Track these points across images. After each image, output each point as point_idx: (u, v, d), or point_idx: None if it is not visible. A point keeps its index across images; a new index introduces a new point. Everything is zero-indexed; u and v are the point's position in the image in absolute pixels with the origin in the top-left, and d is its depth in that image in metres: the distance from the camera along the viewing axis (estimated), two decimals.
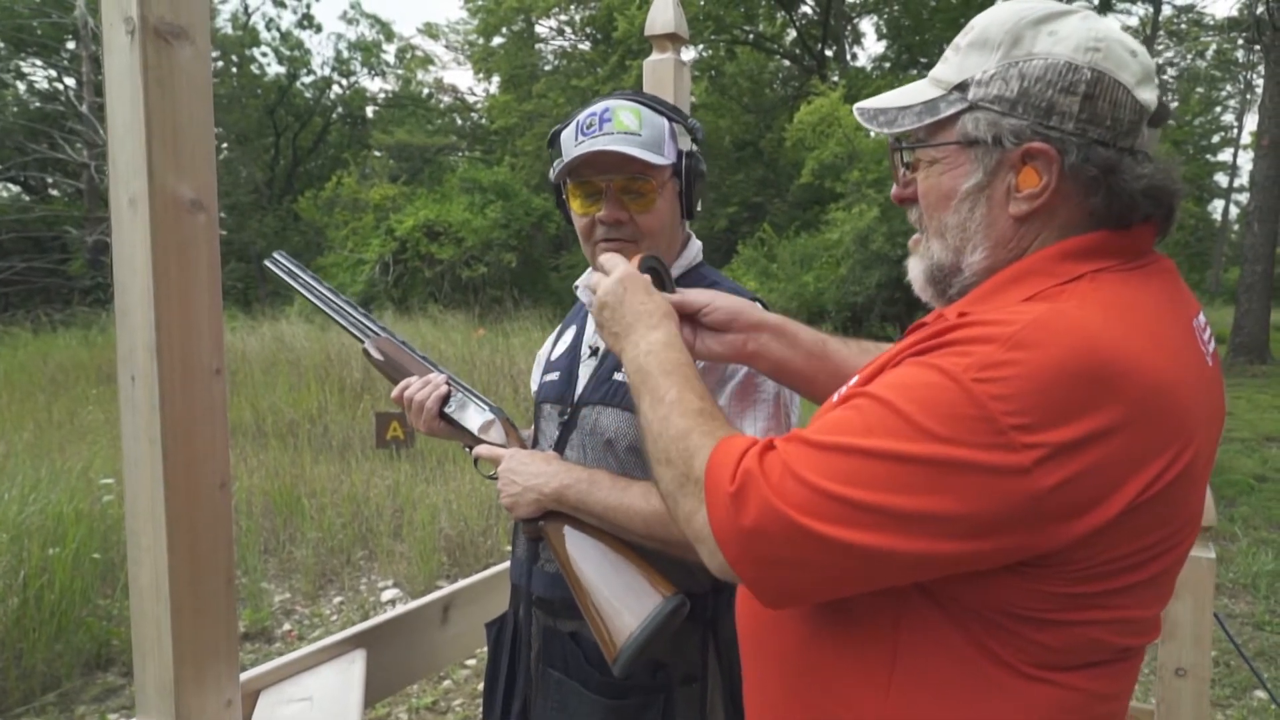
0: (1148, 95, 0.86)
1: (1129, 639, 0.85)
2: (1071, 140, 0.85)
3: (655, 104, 1.44)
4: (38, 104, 22.49)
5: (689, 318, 1.25)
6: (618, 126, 1.37)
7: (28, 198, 23.58)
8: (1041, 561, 0.77)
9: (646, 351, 1.04)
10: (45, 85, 23.11)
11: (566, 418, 1.45)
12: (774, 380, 1.31)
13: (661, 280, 1.27)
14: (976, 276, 0.92)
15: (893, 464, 0.75)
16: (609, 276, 1.19)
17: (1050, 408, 0.72)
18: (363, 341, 1.52)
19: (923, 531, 0.75)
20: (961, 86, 0.90)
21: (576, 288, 1.58)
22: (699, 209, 1.52)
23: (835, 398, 0.95)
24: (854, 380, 0.94)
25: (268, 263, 1.53)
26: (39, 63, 22.60)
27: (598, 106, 1.41)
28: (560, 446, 1.44)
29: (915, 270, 0.99)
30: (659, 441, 0.94)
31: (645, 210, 1.40)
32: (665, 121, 1.43)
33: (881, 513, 0.75)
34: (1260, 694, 3.48)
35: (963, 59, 0.91)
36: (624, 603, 1.21)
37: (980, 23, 0.91)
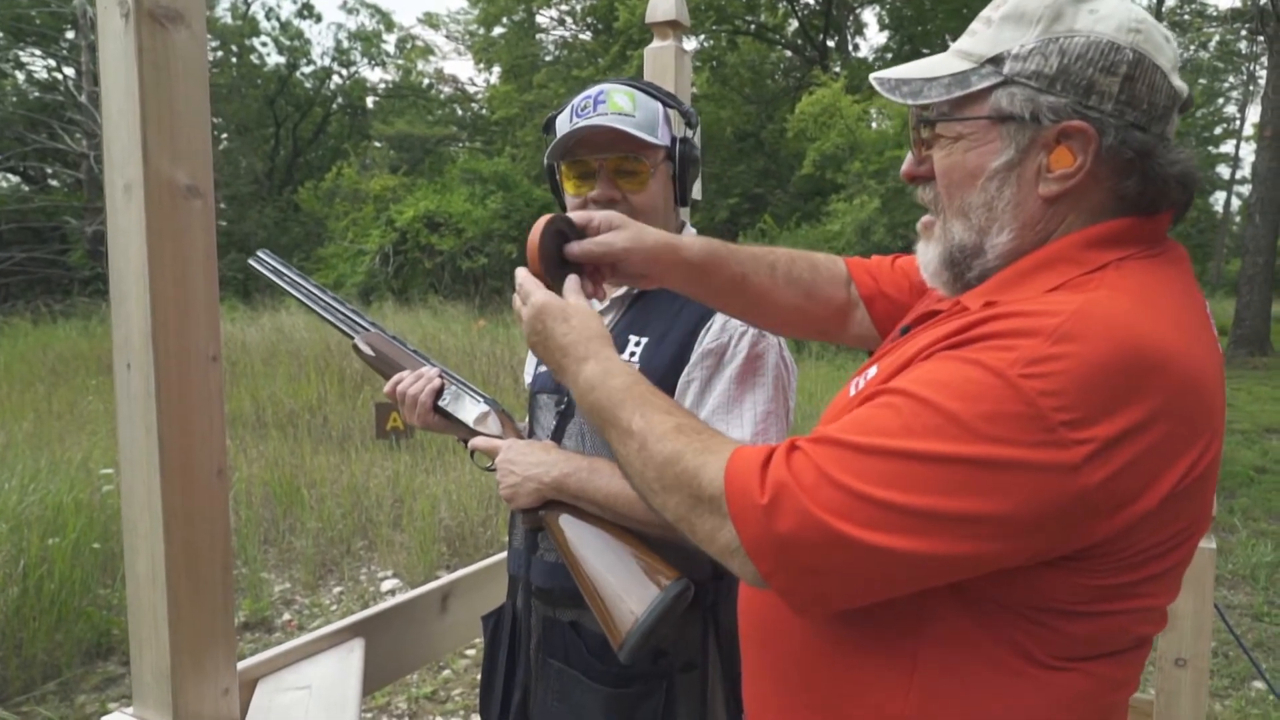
0: (1180, 82, 0.85)
1: (1147, 628, 0.85)
2: (1109, 121, 0.82)
3: (650, 89, 1.44)
4: (37, 94, 22.43)
5: (608, 266, 1.14)
6: (611, 107, 1.37)
7: (27, 188, 23.55)
8: (1082, 555, 0.75)
9: (588, 388, 0.98)
10: (44, 75, 23.06)
11: (564, 407, 1.44)
12: None
13: (567, 239, 1.17)
14: (1000, 259, 0.88)
15: (937, 465, 0.72)
16: (525, 309, 1.09)
17: (1097, 402, 0.70)
18: (352, 337, 1.51)
19: (968, 534, 0.72)
20: (995, 60, 0.86)
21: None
22: (696, 197, 1.51)
23: (852, 390, 0.93)
24: (872, 372, 0.91)
25: (252, 261, 1.51)
26: (38, 52, 22.52)
27: (592, 90, 1.42)
28: (558, 435, 1.44)
29: (929, 255, 0.94)
30: (646, 473, 0.89)
31: (638, 190, 1.40)
32: (659, 105, 1.43)
33: (926, 516, 0.72)
34: (1258, 684, 3.48)
35: (996, 32, 0.87)
36: (628, 589, 1.21)
37: None
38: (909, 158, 0.97)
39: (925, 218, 0.96)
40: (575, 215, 1.14)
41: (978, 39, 0.89)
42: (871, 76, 0.96)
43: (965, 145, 0.89)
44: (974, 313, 0.80)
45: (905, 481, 0.73)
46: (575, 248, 1.11)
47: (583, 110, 1.39)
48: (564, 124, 1.41)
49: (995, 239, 0.88)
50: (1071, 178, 0.84)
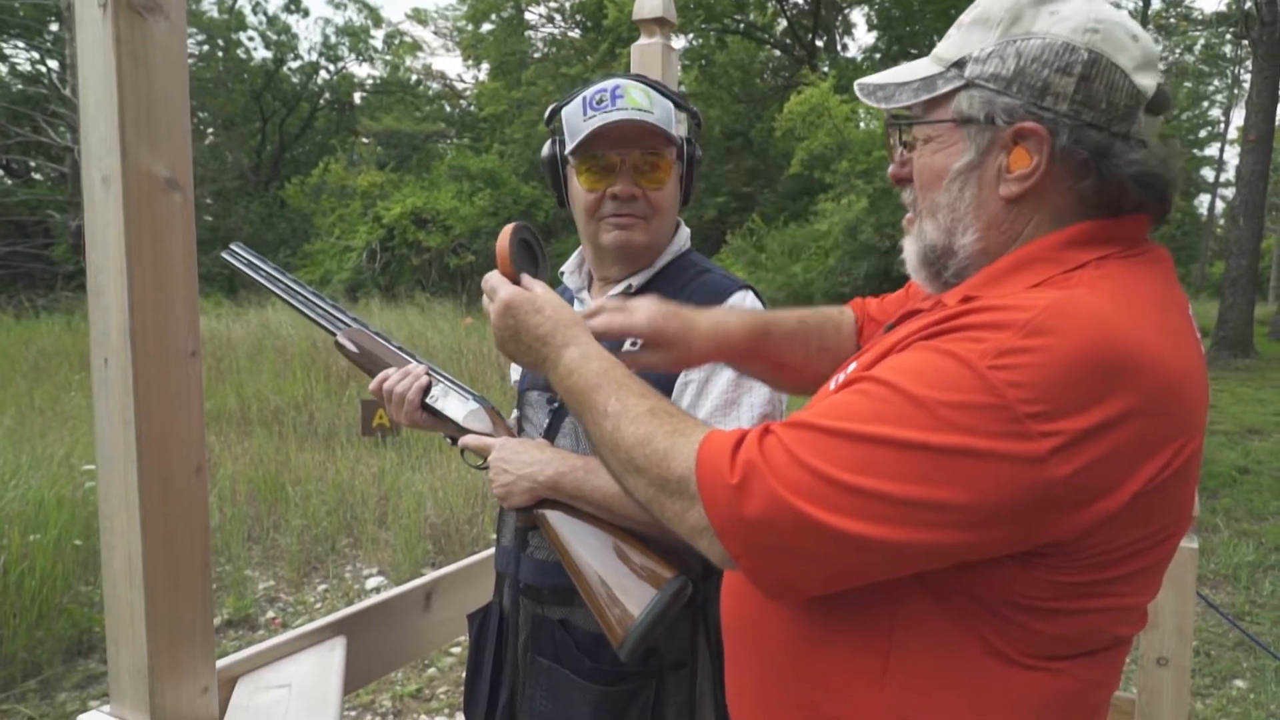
0: (1146, 80, 0.84)
1: (1123, 628, 0.85)
2: (1064, 121, 0.83)
3: (661, 88, 1.43)
4: (20, 86, 22.24)
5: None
6: (630, 103, 1.35)
7: (10, 181, 23.34)
8: (1048, 550, 0.76)
9: (566, 373, 1.00)
10: (28, 68, 22.84)
11: (557, 405, 1.43)
12: None
13: (534, 252, 1.20)
14: (971, 260, 0.90)
15: (904, 452, 0.73)
16: (493, 306, 1.11)
17: (1067, 396, 0.70)
18: (334, 334, 1.48)
19: (933, 522, 0.73)
20: (959, 64, 0.88)
21: (562, 273, 1.56)
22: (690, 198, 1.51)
23: (832, 385, 0.93)
24: (851, 368, 0.92)
25: (225, 254, 1.47)
26: (21, 45, 22.31)
27: (607, 83, 1.39)
28: (551, 434, 1.43)
29: (909, 251, 0.97)
30: (617, 453, 0.90)
31: (657, 187, 1.40)
32: (671, 105, 1.42)
33: (892, 502, 0.73)
34: (1239, 683, 3.52)
35: (964, 36, 0.89)
36: (626, 589, 1.20)
37: (984, 1, 0.90)
38: (893, 161, 0.99)
39: (909, 215, 0.98)
40: (614, 319, 1.11)
41: (949, 43, 0.91)
42: (855, 84, 0.99)
43: (933, 147, 0.91)
44: (952, 307, 0.81)
45: (872, 467, 0.74)
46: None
47: (599, 104, 1.36)
48: (576, 116, 1.38)
49: (962, 239, 0.90)
50: (1029, 178, 0.85)
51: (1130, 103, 0.84)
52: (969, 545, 0.75)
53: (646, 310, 1.12)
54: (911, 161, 0.95)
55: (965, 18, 0.91)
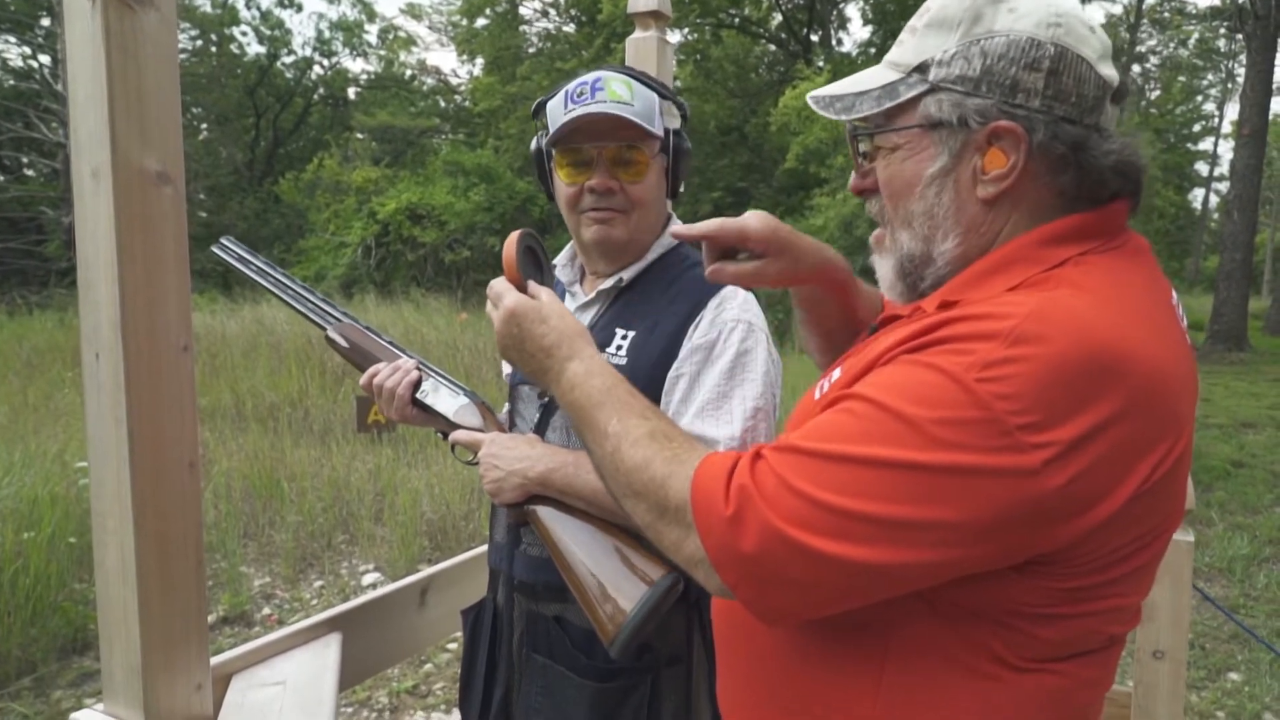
0: (1109, 71, 0.84)
1: (1117, 627, 0.84)
2: (1038, 118, 0.82)
3: (645, 79, 1.43)
4: (12, 82, 22.15)
5: (726, 253, 1.09)
6: (610, 96, 1.35)
7: (3, 178, 23.23)
8: (1048, 559, 0.75)
9: (569, 388, 0.98)
10: (20, 63, 22.74)
11: (547, 400, 1.43)
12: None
13: (538, 259, 1.20)
14: (950, 265, 0.88)
15: (894, 472, 0.71)
16: (497, 313, 1.11)
17: (1056, 404, 0.69)
18: (324, 328, 1.47)
19: (928, 541, 0.71)
20: (921, 68, 0.87)
21: (555, 266, 1.56)
22: (682, 190, 1.50)
23: (817, 394, 0.92)
24: (835, 376, 0.91)
25: (215, 249, 1.46)
26: (13, 39, 22.22)
27: (589, 76, 1.39)
28: (541, 429, 1.42)
29: (884, 268, 0.94)
30: (616, 477, 0.89)
31: (636, 180, 1.39)
32: (655, 96, 1.41)
33: (885, 524, 0.71)
34: (1233, 676, 3.53)
35: (920, 40, 0.88)
36: (618, 585, 1.20)
37: (937, 3, 0.88)
38: (855, 172, 0.97)
39: (876, 232, 0.96)
40: (727, 222, 1.06)
41: (905, 49, 0.89)
42: (809, 96, 0.96)
43: (902, 155, 0.89)
44: (932, 315, 0.80)
45: (864, 489, 0.72)
46: (730, 272, 1.07)
47: (579, 96, 1.36)
48: (558, 109, 1.38)
49: (942, 246, 0.88)
50: (1006, 178, 0.84)
51: (1098, 93, 0.84)
52: (965, 561, 0.74)
53: (759, 215, 1.06)
54: (874, 172, 0.93)
55: (918, 22, 0.89)
